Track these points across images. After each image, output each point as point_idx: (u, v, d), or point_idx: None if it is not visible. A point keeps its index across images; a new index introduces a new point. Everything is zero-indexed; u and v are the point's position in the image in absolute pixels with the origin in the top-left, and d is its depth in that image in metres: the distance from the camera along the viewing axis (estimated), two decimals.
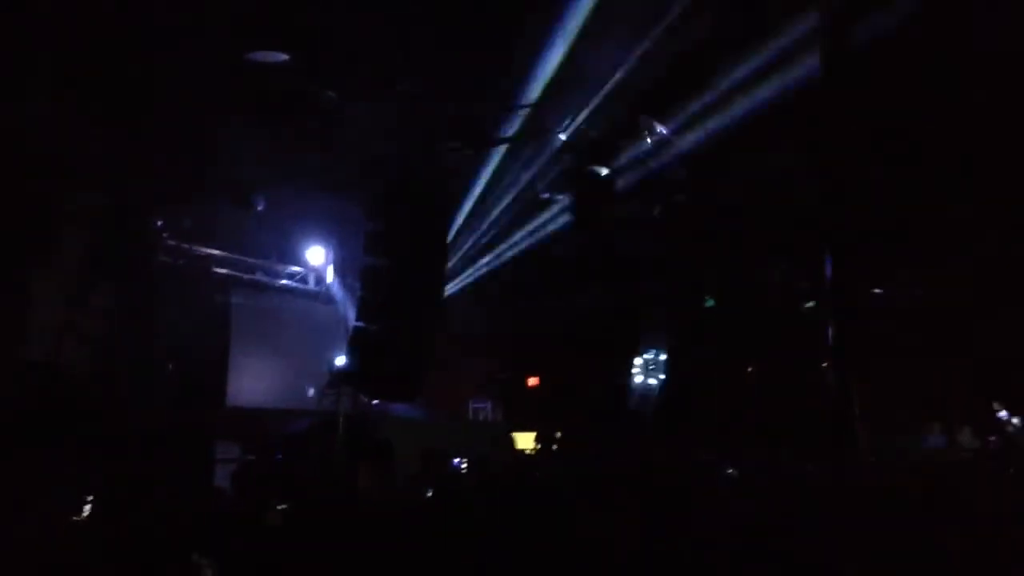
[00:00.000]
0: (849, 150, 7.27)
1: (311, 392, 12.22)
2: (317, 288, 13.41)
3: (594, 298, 13.22)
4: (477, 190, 11.19)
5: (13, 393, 7.64)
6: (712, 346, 12.90)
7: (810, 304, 11.70)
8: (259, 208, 11.19)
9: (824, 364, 10.40)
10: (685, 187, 9.76)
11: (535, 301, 13.75)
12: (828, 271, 7.78)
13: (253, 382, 12.31)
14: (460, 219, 11.71)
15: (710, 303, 12.68)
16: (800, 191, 8.62)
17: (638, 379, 14.04)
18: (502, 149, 9.80)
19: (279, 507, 4.87)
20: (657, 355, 13.88)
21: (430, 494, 6.76)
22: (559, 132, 8.84)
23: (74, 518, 5.93)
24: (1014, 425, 8.56)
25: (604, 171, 9.26)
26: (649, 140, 9.03)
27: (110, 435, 7.83)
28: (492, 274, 12.92)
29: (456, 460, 10.72)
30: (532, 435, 13.63)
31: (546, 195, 11.23)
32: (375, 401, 12.77)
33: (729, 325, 12.40)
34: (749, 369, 13.50)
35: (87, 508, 6.03)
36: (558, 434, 12.76)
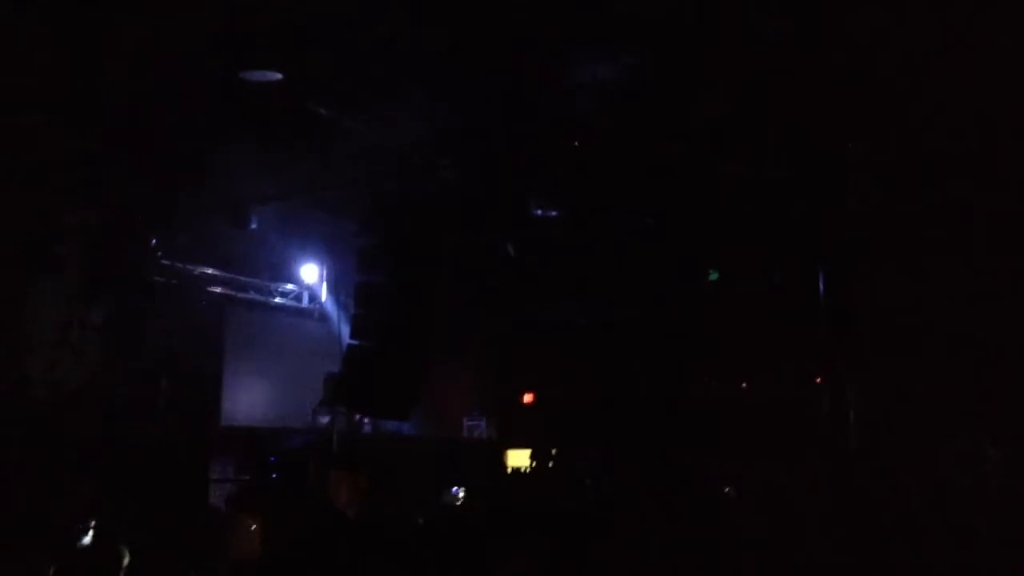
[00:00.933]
0: (843, 157, 7.32)
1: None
2: (311, 306, 13.41)
3: (590, 312, 13.23)
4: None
5: (10, 408, 7.61)
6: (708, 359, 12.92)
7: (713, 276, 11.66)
8: (252, 226, 11.19)
9: (818, 379, 10.44)
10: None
11: (530, 317, 13.75)
12: (821, 284, 7.84)
13: (247, 400, 12.28)
14: None
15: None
16: (793, 200, 8.65)
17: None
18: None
19: None
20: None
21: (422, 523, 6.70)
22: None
23: (78, 543, 5.88)
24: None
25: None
26: None
27: (105, 453, 7.81)
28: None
29: (454, 488, 10.62)
30: (527, 452, 13.59)
31: (539, 212, 11.24)
32: (367, 419, 12.76)
33: (724, 339, 12.41)
34: (743, 384, 13.50)
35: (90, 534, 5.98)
36: (554, 451, 12.73)
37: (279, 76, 7.81)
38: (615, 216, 10.28)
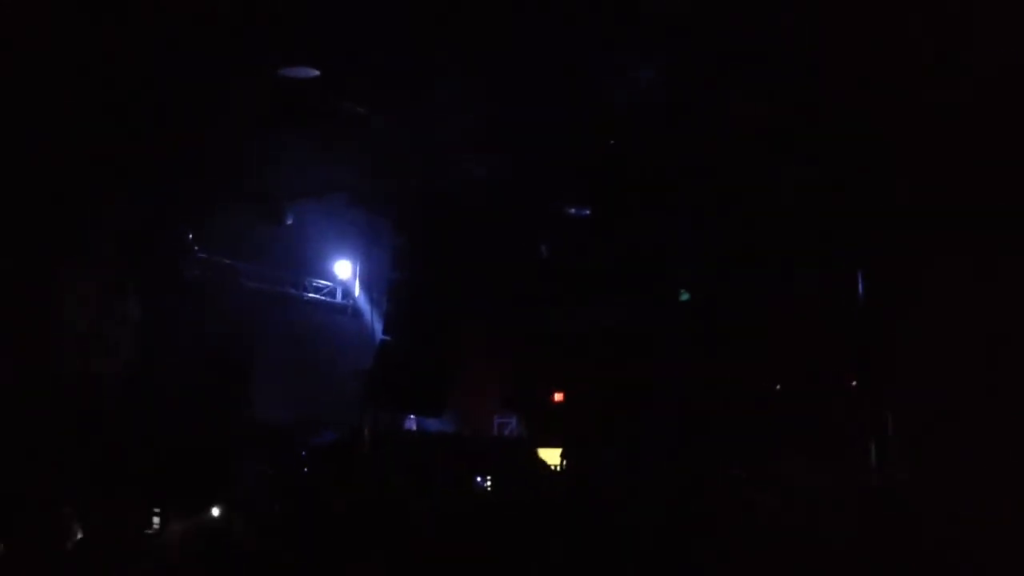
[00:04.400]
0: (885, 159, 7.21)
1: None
2: (344, 302, 13.48)
3: (622, 312, 13.15)
4: None
5: (43, 403, 7.71)
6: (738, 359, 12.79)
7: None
8: (288, 222, 11.28)
9: (853, 382, 10.28)
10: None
11: (562, 315, 13.71)
12: (860, 286, 7.72)
13: (279, 395, 12.34)
14: None
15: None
16: (831, 203, 8.54)
17: None
18: None
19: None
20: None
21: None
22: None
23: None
24: None
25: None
26: None
27: (138, 446, 7.89)
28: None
29: (479, 478, 10.69)
30: (557, 451, 13.55)
31: (572, 211, 11.21)
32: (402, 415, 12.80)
33: (756, 339, 12.29)
34: (777, 386, 13.34)
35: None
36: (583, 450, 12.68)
37: (316, 73, 7.86)
38: (647, 216, 10.24)
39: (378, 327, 12.00)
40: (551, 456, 13.51)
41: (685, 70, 7.17)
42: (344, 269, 13.17)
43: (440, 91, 8.16)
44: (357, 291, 13.38)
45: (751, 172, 8.54)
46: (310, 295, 13.11)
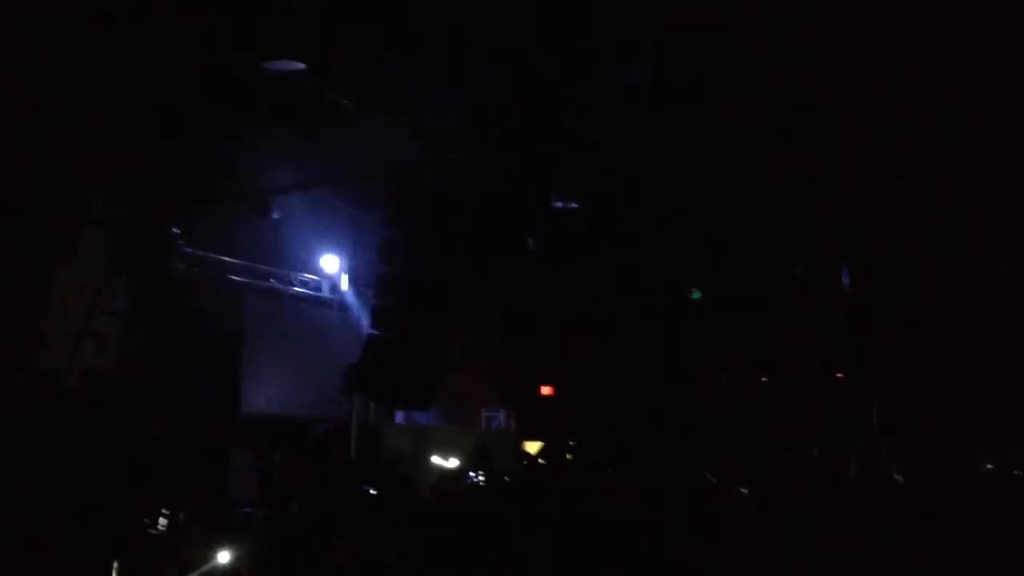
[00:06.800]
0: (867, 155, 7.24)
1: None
2: (331, 296, 13.44)
3: (610, 307, 13.19)
4: None
5: (32, 399, 7.68)
6: (726, 355, 12.85)
7: None
8: (274, 216, 11.22)
9: (839, 375, 10.36)
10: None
11: (550, 310, 13.73)
12: (845, 280, 7.76)
13: (267, 390, 12.31)
14: None
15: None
16: (815, 199, 8.59)
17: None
18: None
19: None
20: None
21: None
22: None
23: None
24: None
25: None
26: None
27: (127, 442, 7.87)
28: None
29: (472, 474, 10.71)
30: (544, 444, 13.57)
31: (559, 203, 11.21)
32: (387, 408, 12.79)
33: (744, 335, 12.34)
34: (764, 379, 13.43)
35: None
36: (571, 443, 12.73)
37: (302, 66, 7.81)
38: (636, 211, 10.25)
39: (364, 321, 11.98)
40: (537, 449, 13.54)
41: (675, 64, 7.16)
42: (331, 263, 13.12)
43: (428, 84, 8.12)
44: (344, 285, 13.34)
45: (741, 168, 8.56)
46: (296, 289, 13.05)
